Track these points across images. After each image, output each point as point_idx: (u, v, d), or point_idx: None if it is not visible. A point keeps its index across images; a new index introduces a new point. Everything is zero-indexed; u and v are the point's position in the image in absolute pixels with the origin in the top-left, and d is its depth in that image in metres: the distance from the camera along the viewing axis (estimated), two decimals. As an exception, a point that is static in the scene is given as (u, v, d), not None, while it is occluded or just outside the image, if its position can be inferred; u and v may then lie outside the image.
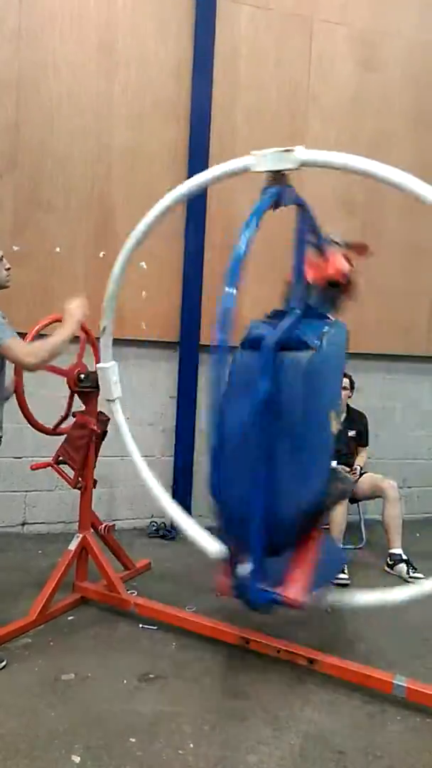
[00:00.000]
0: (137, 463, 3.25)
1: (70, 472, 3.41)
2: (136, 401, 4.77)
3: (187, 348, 4.86)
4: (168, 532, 4.73)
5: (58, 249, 4.57)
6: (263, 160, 2.69)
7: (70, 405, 3.44)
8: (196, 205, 4.81)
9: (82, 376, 3.36)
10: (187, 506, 4.87)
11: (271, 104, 5.00)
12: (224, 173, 2.82)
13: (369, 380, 5.12)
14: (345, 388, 4.28)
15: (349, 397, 4.54)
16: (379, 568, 4.23)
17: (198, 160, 4.78)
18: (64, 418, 3.44)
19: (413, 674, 2.70)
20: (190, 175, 4.72)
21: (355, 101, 5.19)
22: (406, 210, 5.19)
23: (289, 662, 2.83)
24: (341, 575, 3.96)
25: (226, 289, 2.40)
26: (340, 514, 4.20)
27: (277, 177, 2.72)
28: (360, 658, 2.86)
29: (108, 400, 3.34)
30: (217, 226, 4.88)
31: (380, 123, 5.26)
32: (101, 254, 4.65)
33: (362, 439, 4.70)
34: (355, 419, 4.68)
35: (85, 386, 3.36)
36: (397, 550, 4.20)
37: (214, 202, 4.86)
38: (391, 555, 4.20)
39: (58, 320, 3.39)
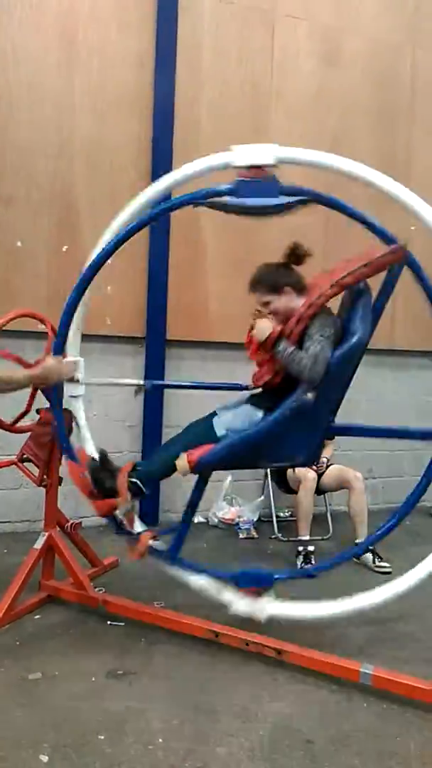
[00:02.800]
0: None
1: (35, 470, 3.37)
2: (102, 397, 4.74)
3: (154, 343, 4.84)
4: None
5: (19, 243, 4.50)
6: (241, 156, 2.73)
7: (31, 401, 3.39)
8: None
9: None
10: (155, 501, 4.88)
11: (235, 98, 4.99)
12: (205, 169, 2.79)
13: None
14: None
15: None
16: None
17: (162, 153, 4.75)
18: (24, 414, 3.39)
19: (379, 662, 2.75)
20: (153, 169, 4.73)
21: (318, 97, 5.23)
22: (374, 204, 5.27)
23: (258, 654, 2.85)
24: (308, 566, 4.01)
25: None
26: (306, 506, 4.25)
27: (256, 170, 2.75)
28: (327, 647, 2.90)
29: (71, 397, 3.28)
30: (183, 219, 4.86)
31: (343, 119, 5.31)
32: (64, 248, 4.59)
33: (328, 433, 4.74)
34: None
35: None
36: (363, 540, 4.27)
37: (178, 193, 4.82)
38: (358, 545, 4.26)
39: (24, 315, 3.35)
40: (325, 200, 2.83)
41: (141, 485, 2.79)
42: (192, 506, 3.02)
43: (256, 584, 2.92)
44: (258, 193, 2.70)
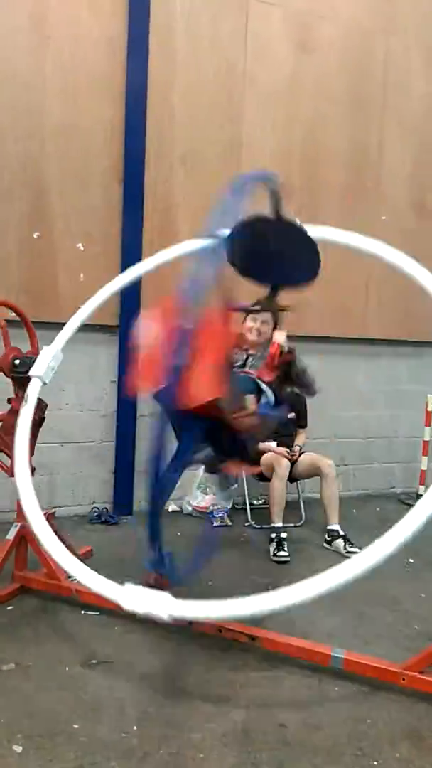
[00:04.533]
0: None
1: (7, 460, 3.33)
2: (76, 386, 4.70)
3: (127, 332, 4.80)
4: (110, 518, 4.70)
5: (-11, 229, 4.41)
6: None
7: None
8: (132, 185, 4.73)
9: (17, 361, 3.27)
10: (128, 492, 4.87)
11: (208, 83, 4.95)
12: None
13: (308, 362, 5.20)
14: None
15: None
16: (318, 544, 4.35)
17: (134, 138, 4.70)
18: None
19: (349, 646, 2.80)
20: (126, 153, 4.67)
21: (292, 83, 5.21)
22: (345, 194, 5.29)
23: (231, 640, 2.88)
24: (281, 552, 4.06)
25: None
26: (279, 493, 4.29)
27: None
28: (299, 632, 2.94)
29: (33, 376, 3.15)
30: (155, 206, 4.82)
31: (316, 105, 5.30)
32: (35, 234, 4.52)
33: (301, 421, 4.79)
34: (294, 401, 4.75)
35: (21, 372, 3.27)
36: (335, 526, 4.33)
37: (151, 178, 4.79)
38: (329, 531, 4.32)
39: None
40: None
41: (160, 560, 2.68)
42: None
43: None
44: None
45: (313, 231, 2.80)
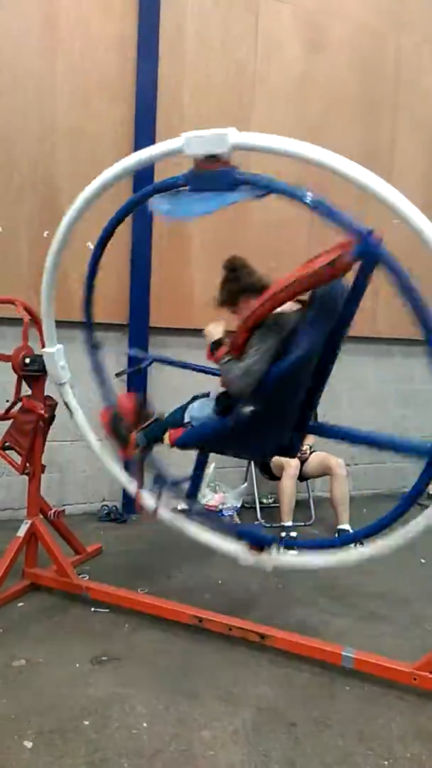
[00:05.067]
0: (96, 449, 3.42)
1: (18, 458, 3.35)
2: (85, 383, 4.70)
3: (137, 330, 4.81)
4: (119, 515, 4.71)
5: (0, 229, 4.43)
6: (193, 143, 2.55)
7: (18, 389, 3.36)
8: (142, 185, 4.73)
9: (28, 359, 3.29)
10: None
11: (218, 84, 4.95)
12: (154, 156, 2.72)
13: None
14: None
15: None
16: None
17: (144, 139, 4.69)
18: (14, 404, 3.36)
19: (360, 645, 2.78)
20: (136, 154, 4.68)
21: (302, 83, 5.20)
22: (356, 195, 5.27)
23: (241, 639, 2.87)
24: (290, 552, 4.04)
25: None
26: (289, 492, 4.28)
27: (211, 160, 2.58)
28: (309, 631, 2.93)
29: (58, 384, 3.29)
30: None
31: (326, 104, 5.29)
32: (45, 234, 4.53)
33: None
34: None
35: (31, 370, 3.29)
36: (345, 526, 4.31)
37: (160, 178, 4.78)
38: (339, 531, 4.31)
39: (9, 302, 3.34)
40: (287, 192, 2.53)
41: (148, 441, 2.96)
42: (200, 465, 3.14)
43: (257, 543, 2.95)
44: (211, 185, 2.55)
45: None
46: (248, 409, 2.54)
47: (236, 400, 2.60)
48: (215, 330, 2.74)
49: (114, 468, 3.43)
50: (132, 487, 3.24)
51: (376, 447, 3.00)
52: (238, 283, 2.77)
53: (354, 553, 2.85)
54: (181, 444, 2.91)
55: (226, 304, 2.81)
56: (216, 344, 2.67)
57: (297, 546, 3.15)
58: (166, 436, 2.91)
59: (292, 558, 2.96)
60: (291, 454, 3.27)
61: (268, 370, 2.48)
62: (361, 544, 4.09)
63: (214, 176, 2.55)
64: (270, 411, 2.60)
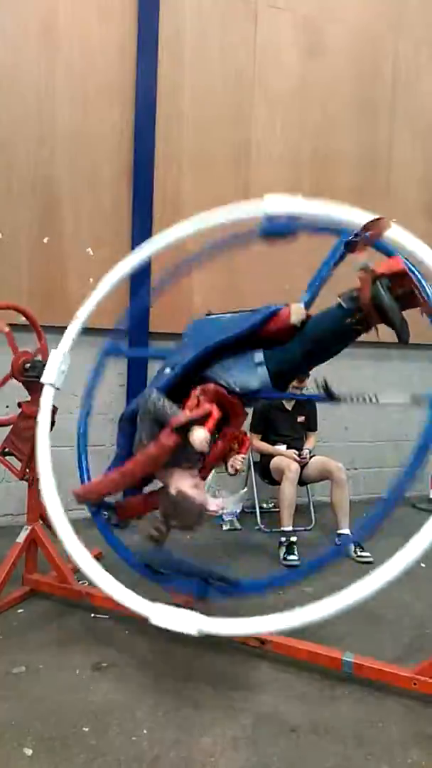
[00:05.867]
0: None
1: (17, 464, 3.35)
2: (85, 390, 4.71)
3: (137, 336, 4.82)
4: (119, 521, 4.69)
5: (0, 235, 4.45)
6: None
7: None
8: (142, 190, 4.76)
9: (28, 365, 3.29)
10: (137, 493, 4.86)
11: (217, 89, 4.97)
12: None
13: (317, 367, 5.20)
14: (300, 379, 4.33)
15: (302, 387, 4.54)
16: (328, 548, 4.33)
17: (144, 143, 4.73)
18: None
19: (360, 650, 2.78)
20: (136, 159, 4.70)
21: (300, 88, 5.22)
22: (355, 197, 5.28)
23: (241, 644, 2.87)
24: (291, 556, 4.04)
25: None
26: (289, 497, 4.28)
27: None
28: (309, 636, 2.92)
29: (46, 383, 3.18)
30: (165, 210, 4.84)
31: (325, 109, 5.31)
32: (45, 240, 4.55)
33: (311, 424, 4.78)
34: (304, 405, 4.75)
35: (31, 376, 3.29)
36: (345, 531, 4.30)
37: (160, 184, 4.81)
38: (340, 535, 4.30)
39: (2, 307, 3.33)
40: None
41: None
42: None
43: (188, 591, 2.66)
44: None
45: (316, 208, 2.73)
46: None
47: None
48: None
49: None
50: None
51: None
52: None
53: (284, 619, 2.50)
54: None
55: None
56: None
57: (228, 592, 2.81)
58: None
59: (224, 623, 2.54)
60: None
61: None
62: (361, 548, 4.14)
63: None
64: None
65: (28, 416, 3.30)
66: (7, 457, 3.36)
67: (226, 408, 2.70)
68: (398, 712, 2.49)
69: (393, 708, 2.52)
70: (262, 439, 4.67)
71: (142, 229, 4.75)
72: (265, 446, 4.62)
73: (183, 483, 2.57)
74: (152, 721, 2.38)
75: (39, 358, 3.38)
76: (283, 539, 4.19)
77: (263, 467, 4.67)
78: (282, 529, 4.27)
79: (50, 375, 3.15)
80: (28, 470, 3.36)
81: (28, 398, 3.37)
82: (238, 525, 4.82)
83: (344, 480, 4.40)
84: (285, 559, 4.06)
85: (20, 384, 3.37)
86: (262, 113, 5.11)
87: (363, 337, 4.75)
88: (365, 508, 5.22)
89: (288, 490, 4.29)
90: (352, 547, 4.19)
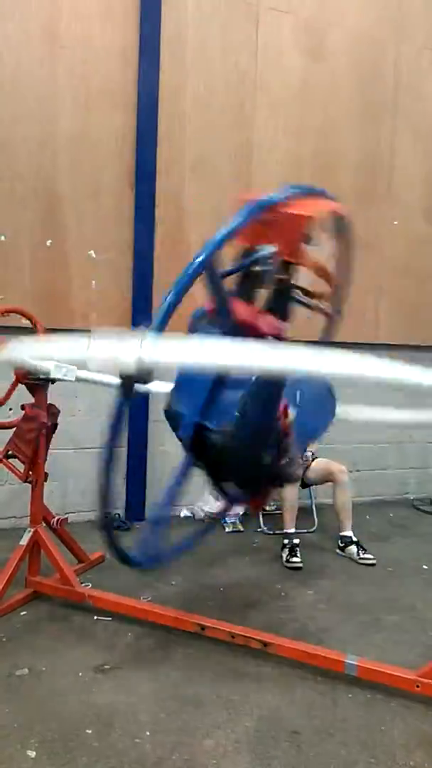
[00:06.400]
0: None
1: (20, 466, 3.36)
2: (88, 393, 4.72)
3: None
4: (122, 523, 4.71)
5: (3, 237, 4.46)
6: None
7: (9, 394, 3.36)
8: (144, 193, 4.77)
9: (31, 368, 3.29)
10: (140, 498, 4.88)
11: (219, 91, 4.98)
12: None
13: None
14: None
15: None
16: (331, 550, 4.33)
17: (146, 146, 4.74)
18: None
19: (363, 652, 2.79)
20: (138, 162, 4.72)
21: (302, 90, 5.23)
22: (356, 200, 5.29)
23: (244, 646, 2.87)
24: (293, 558, 4.04)
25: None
26: (291, 499, 4.28)
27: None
28: (312, 639, 2.93)
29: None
30: (167, 213, 4.85)
31: (327, 112, 5.32)
32: (48, 242, 4.56)
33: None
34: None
35: (35, 379, 3.30)
36: (348, 533, 4.30)
37: (162, 185, 4.82)
38: (342, 537, 4.30)
39: (11, 312, 3.35)
40: None
41: None
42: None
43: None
44: None
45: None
46: None
47: None
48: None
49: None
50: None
51: None
52: None
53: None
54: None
55: None
56: None
57: None
58: None
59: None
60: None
61: None
62: (363, 549, 4.14)
63: None
64: None
65: (31, 419, 3.31)
66: (11, 460, 3.36)
67: None
68: (401, 715, 2.49)
69: (396, 710, 2.52)
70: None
71: (144, 231, 4.76)
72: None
73: None
74: (155, 724, 2.38)
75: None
76: (286, 541, 4.19)
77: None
78: (284, 531, 4.27)
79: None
80: (31, 472, 3.36)
81: (32, 401, 3.37)
82: (240, 527, 4.82)
83: (347, 482, 4.40)
84: (288, 561, 4.06)
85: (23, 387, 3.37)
86: (263, 115, 5.12)
87: (364, 338, 4.82)
88: (368, 510, 5.27)
89: (290, 492, 4.29)
90: (355, 549, 4.19)
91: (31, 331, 3.48)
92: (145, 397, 4.85)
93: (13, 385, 3.35)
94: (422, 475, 5.79)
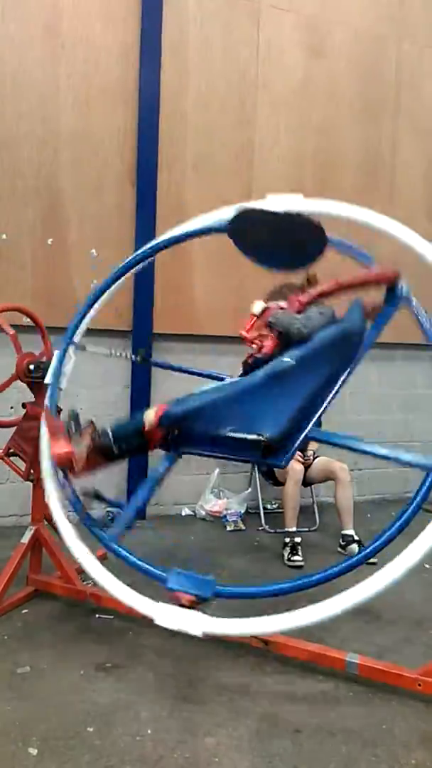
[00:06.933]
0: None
1: (22, 465, 3.36)
2: (89, 391, 4.72)
3: (140, 337, 4.83)
4: (123, 521, 4.71)
5: (4, 236, 4.46)
6: None
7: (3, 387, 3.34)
8: (145, 191, 4.77)
9: (32, 366, 3.29)
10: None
11: (220, 90, 4.98)
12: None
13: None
14: None
15: None
16: (332, 549, 4.33)
17: (147, 144, 4.74)
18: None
19: (365, 651, 2.79)
20: (139, 161, 4.72)
21: (304, 88, 5.22)
22: (358, 198, 5.29)
23: (245, 645, 2.87)
24: (295, 557, 4.05)
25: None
26: (293, 498, 4.28)
27: None
28: (313, 637, 2.92)
29: (45, 383, 3.12)
30: (168, 211, 4.84)
31: (328, 110, 5.31)
32: (49, 241, 4.56)
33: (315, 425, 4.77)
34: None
35: (36, 377, 3.30)
36: (350, 531, 4.31)
37: (164, 185, 4.82)
38: (344, 536, 4.30)
39: (11, 310, 3.34)
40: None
41: (109, 435, 2.67)
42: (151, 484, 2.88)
43: (191, 590, 2.53)
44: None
45: (316, 206, 2.72)
46: (288, 359, 2.64)
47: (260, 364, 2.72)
48: (258, 304, 2.91)
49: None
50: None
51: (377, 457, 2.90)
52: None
53: (288, 619, 2.45)
54: (172, 415, 2.61)
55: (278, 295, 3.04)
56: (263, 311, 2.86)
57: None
58: (149, 412, 2.61)
59: (228, 624, 2.48)
60: (279, 458, 2.78)
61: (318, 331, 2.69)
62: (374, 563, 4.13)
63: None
64: (297, 374, 2.64)
65: (32, 417, 3.31)
66: (12, 458, 3.36)
67: None
68: (402, 713, 2.49)
69: (397, 709, 2.52)
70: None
71: (145, 230, 4.75)
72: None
73: None
74: (156, 722, 2.38)
75: (44, 359, 3.38)
76: (287, 540, 4.19)
77: (268, 468, 4.67)
78: (286, 529, 4.27)
79: (53, 375, 3.11)
80: (32, 471, 3.36)
81: (33, 399, 3.37)
82: (242, 525, 4.82)
83: (348, 481, 4.40)
84: (289, 559, 4.06)
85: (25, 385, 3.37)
86: (264, 113, 5.11)
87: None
88: (369, 508, 5.27)
89: (292, 490, 4.29)
90: (356, 548, 4.18)
91: (32, 329, 3.48)
92: (146, 399, 4.86)
93: (10, 380, 3.34)
94: (424, 473, 5.77)
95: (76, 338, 3.16)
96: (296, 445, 2.65)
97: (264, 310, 2.85)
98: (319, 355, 2.69)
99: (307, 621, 2.42)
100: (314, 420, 2.70)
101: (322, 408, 2.72)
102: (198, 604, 2.49)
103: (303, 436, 2.66)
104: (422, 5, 5.60)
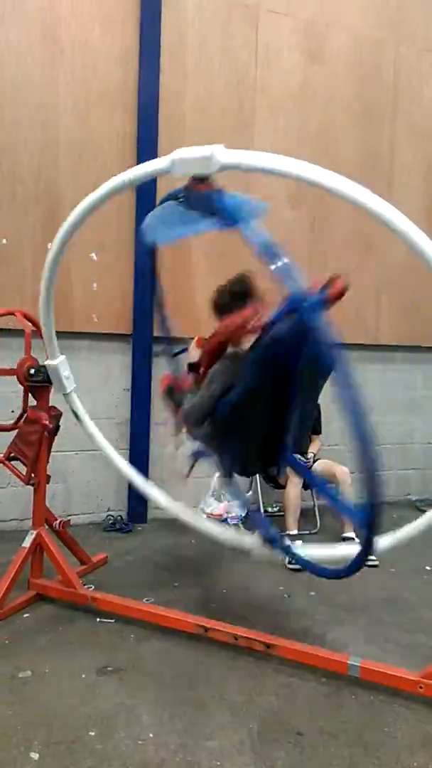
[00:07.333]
0: (109, 454, 3.62)
1: (23, 469, 3.36)
2: (90, 395, 4.72)
3: (141, 340, 4.84)
4: (125, 525, 4.71)
5: (4, 241, 4.47)
6: (179, 165, 2.46)
7: (25, 401, 3.36)
8: (145, 195, 4.77)
9: (33, 370, 3.30)
10: (142, 500, 4.87)
11: (219, 94, 4.99)
12: (139, 176, 2.74)
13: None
14: None
15: None
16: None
17: (147, 149, 4.74)
18: (22, 415, 3.37)
19: (366, 654, 2.78)
20: (139, 164, 4.71)
21: (302, 92, 5.24)
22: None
23: (247, 648, 2.87)
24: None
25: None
26: (294, 500, 4.28)
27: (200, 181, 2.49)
28: (315, 640, 2.93)
29: (64, 394, 3.31)
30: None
31: (326, 114, 5.32)
32: (49, 245, 4.56)
33: (316, 427, 4.78)
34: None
35: (36, 381, 3.31)
36: (350, 534, 4.31)
37: (163, 190, 4.82)
38: (344, 538, 4.30)
39: (9, 313, 3.36)
40: (261, 246, 2.32)
41: None
42: None
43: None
44: (199, 206, 2.51)
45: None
46: (201, 431, 2.83)
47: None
48: (194, 353, 2.96)
49: (128, 470, 3.69)
50: (148, 488, 3.54)
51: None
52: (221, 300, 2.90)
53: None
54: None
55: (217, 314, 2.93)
56: (190, 367, 2.92)
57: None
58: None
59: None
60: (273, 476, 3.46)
61: (215, 404, 2.68)
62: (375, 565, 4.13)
63: (201, 198, 2.48)
64: (230, 433, 2.76)
65: (33, 421, 3.32)
66: (13, 462, 3.37)
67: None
68: (404, 716, 2.49)
69: (399, 712, 2.52)
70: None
71: (145, 234, 4.76)
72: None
73: None
74: (158, 725, 2.38)
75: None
76: (288, 543, 4.18)
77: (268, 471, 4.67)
78: (287, 532, 4.27)
79: (63, 387, 3.36)
80: (33, 475, 3.37)
81: (33, 404, 3.38)
82: (243, 528, 4.81)
83: (349, 483, 4.40)
84: (290, 562, 4.05)
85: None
86: (263, 117, 5.12)
87: (364, 339, 4.83)
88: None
89: (293, 493, 4.29)
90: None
91: (33, 334, 3.49)
92: (147, 401, 4.87)
93: (5, 372, 3.35)
94: (424, 476, 5.78)
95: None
96: (285, 456, 2.94)
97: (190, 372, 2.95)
98: (237, 419, 2.69)
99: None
100: (293, 430, 2.79)
101: (298, 415, 2.77)
102: None
103: (290, 445, 2.84)
104: (420, 9, 5.61)
